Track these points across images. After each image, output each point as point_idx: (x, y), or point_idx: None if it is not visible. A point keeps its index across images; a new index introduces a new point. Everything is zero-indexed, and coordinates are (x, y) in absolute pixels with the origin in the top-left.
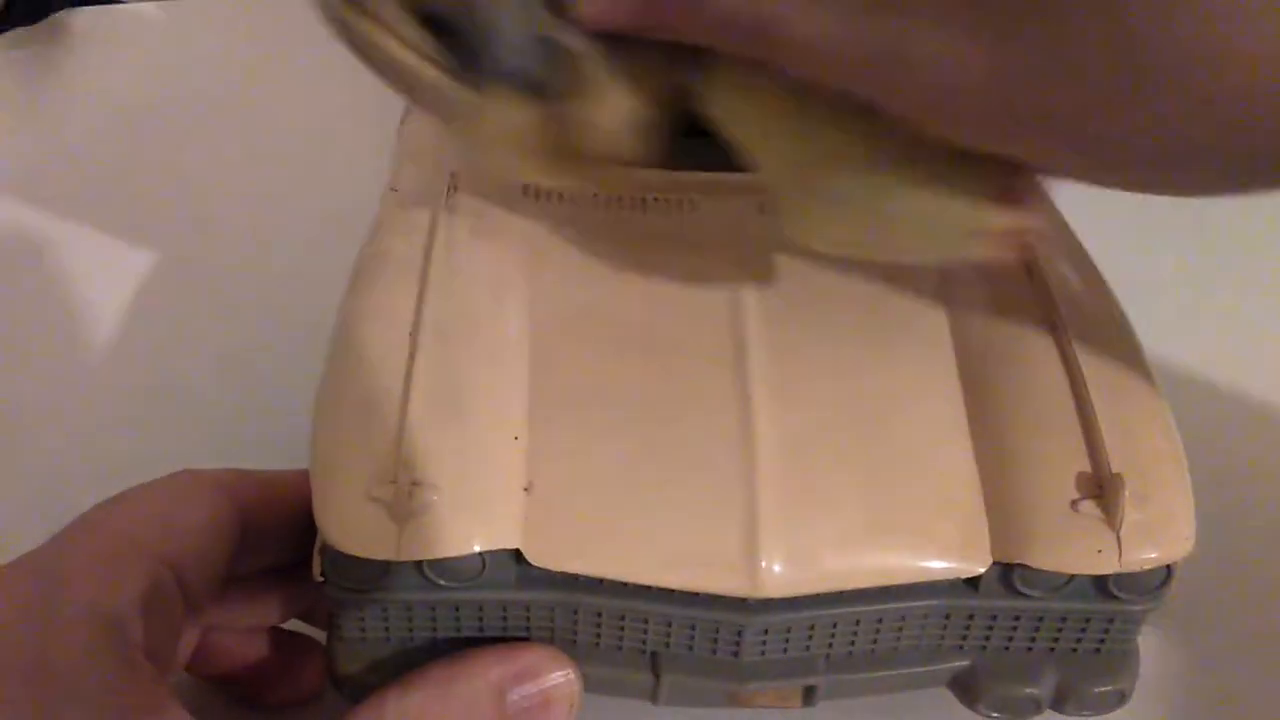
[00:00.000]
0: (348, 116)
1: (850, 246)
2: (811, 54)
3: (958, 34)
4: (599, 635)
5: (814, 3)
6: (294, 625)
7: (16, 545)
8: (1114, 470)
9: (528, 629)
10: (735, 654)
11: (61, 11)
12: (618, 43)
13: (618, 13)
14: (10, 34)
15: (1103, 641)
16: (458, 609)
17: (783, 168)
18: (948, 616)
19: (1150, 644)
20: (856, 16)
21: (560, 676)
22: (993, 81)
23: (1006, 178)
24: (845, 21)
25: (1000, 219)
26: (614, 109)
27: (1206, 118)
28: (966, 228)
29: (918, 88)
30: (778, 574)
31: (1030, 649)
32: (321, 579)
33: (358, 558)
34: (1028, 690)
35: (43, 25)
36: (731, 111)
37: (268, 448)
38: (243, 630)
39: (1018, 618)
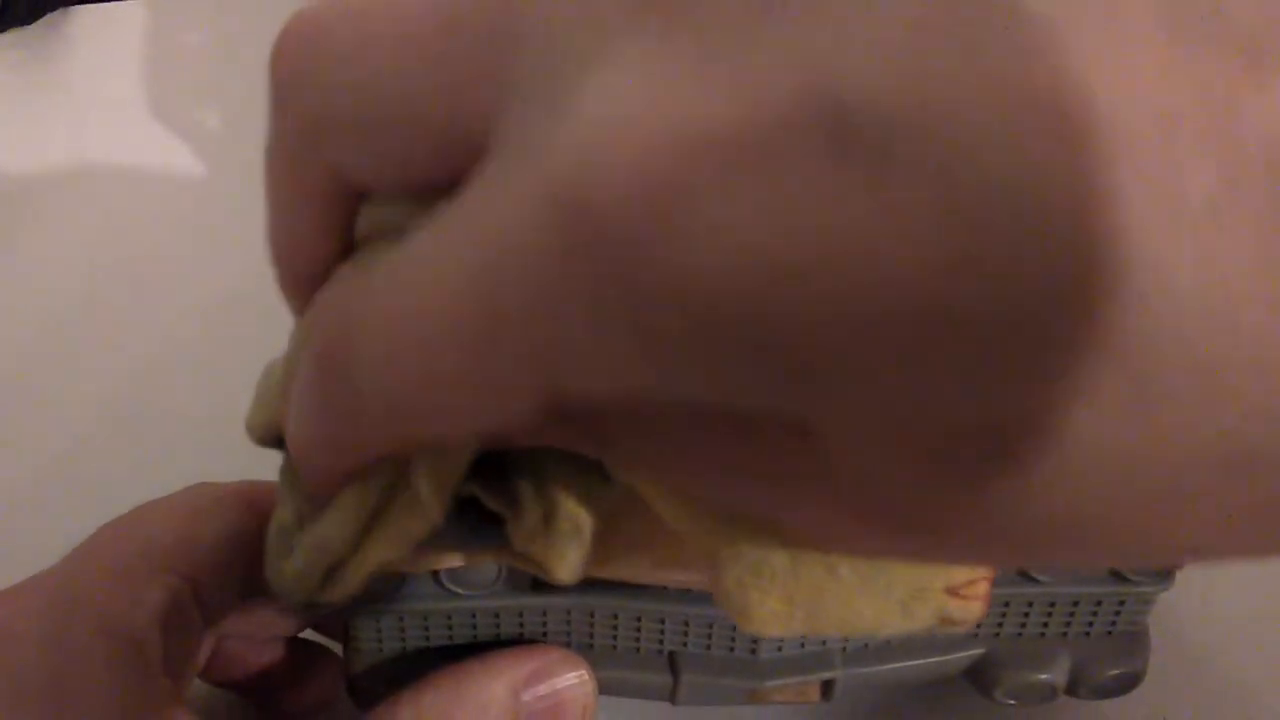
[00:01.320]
0: None
1: (795, 624)
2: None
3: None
4: (616, 637)
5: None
6: (308, 633)
7: (18, 554)
8: None
9: (544, 633)
10: (753, 651)
11: (57, 11)
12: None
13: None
14: (6, 35)
15: (1114, 624)
16: (474, 616)
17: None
18: None
19: (1155, 630)
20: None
21: (574, 677)
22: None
23: None
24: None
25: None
26: (566, 523)
27: None
28: (926, 578)
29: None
30: None
31: (1043, 634)
32: None
33: None
34: (1042, 676)
35: (38, 26)
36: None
37: (276, 457)
38: (258, 639)
39: (1030, 603)
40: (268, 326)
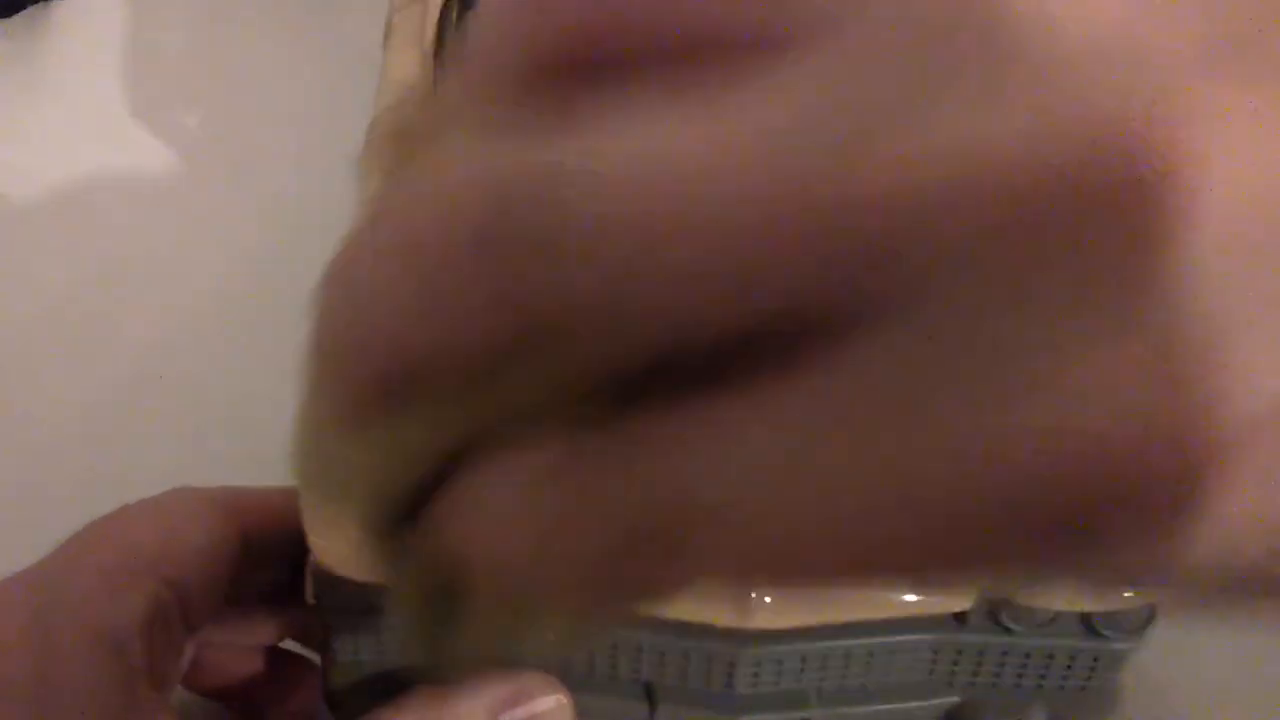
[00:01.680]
0: (326, 104)
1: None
2: None
3: None
4: (593, 664)
5: None
6: (289, 643)
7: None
8: None
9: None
10: (729, 685)
11: (37, 5)
12: None
13: None
14: None
15: (1089, 679)
16: None
17: None
18: (936, 651)
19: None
20: None
21: (551, 701)
22: None
23: None
24: None
25: None
26: None
27: None
28: None
29: None
30: (768, 605)
31: (1018, 685)
32: (314, 600)
33: (350, 579)
34: None
35: (18, 19)
36: None
37: (258, 464)
38: (238, 648)
39: (1005, 653)
40: (249, 326)
